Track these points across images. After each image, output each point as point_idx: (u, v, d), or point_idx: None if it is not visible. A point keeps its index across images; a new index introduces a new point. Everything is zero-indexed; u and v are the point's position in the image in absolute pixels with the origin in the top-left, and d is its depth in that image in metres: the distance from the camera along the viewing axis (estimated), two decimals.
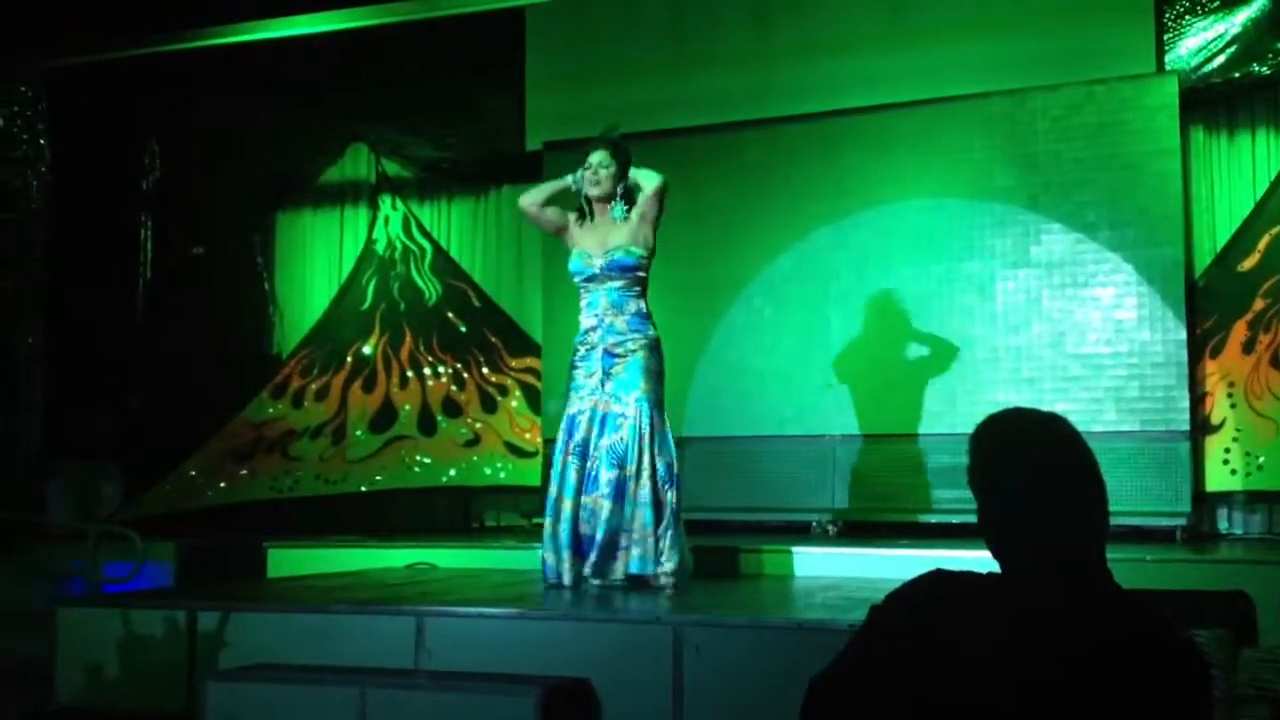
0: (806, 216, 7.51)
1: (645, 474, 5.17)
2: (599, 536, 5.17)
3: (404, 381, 8.75)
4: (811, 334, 7.47)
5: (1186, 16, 7.06)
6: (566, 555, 5.22)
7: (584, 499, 5.23)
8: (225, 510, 8.46)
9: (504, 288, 8.71)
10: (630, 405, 5.21)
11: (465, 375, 8.64)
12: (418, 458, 8.60)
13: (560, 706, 3.93)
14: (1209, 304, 6.96)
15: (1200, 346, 6.91)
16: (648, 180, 5.37)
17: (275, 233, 9.32)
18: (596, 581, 5.18)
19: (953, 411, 7.01)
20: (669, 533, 5.19)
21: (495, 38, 8.33)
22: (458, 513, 8.60)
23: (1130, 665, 1.84)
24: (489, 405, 8.56)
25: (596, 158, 5.37)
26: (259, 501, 8.55)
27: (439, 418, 8.63)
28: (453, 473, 8.54)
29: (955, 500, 6.75)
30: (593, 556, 5.18)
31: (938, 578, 1.98)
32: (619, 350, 5.28)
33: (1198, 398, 6.85)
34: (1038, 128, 7.05)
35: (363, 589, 5.32)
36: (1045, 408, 2.07)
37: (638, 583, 5.10)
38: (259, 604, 4.84)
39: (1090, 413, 6.69)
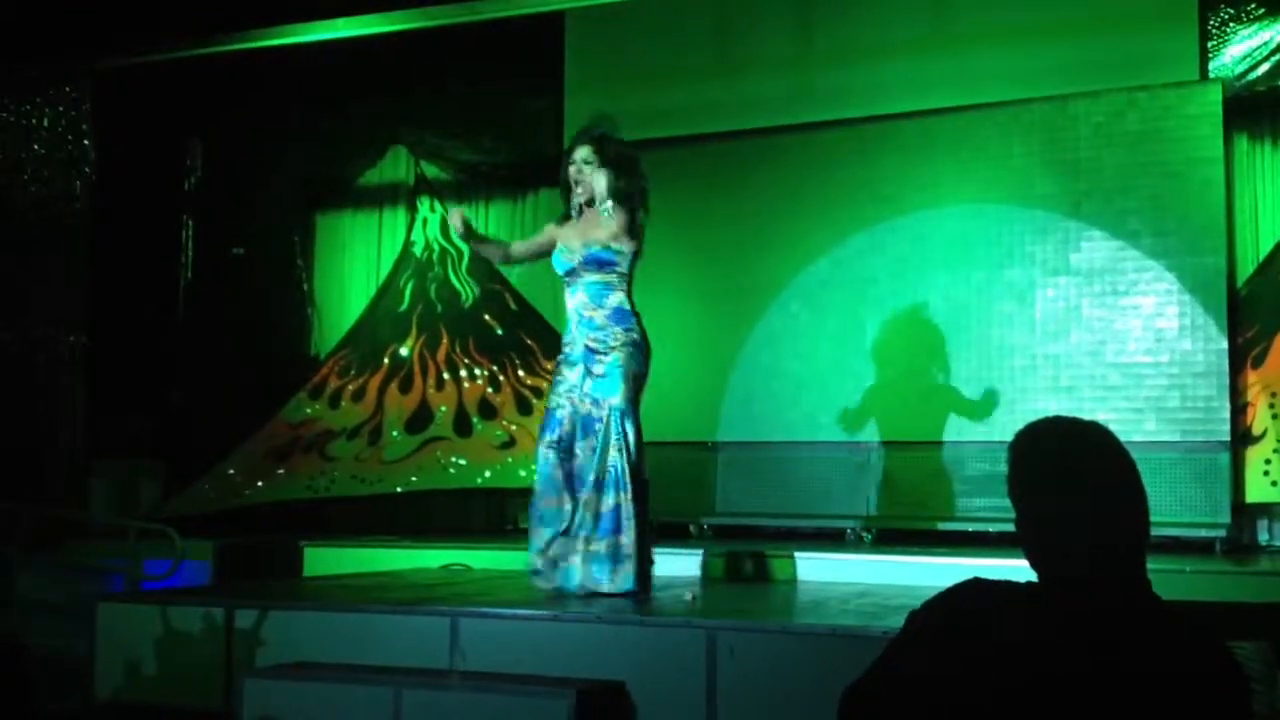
0: (844, 221, 7.49)
1: (610, 483, 5.02)
2: (572, 538, 5.04)
3: (440, 383, 8.78)
4: (848, 339, 7.44)
5: (1230, 24, 6.99)
6: (566, 553, 5.07)
7: (579, 496, 5.06)
8: (263, 509, 8.51)
9: (541, 291, 8.71)
10: (605, 410, 5.08)
11: (501, 378, 8.66)
12: (453, 459, 8.63)
13: (595, 709, 3.93)
14: (1251, 314, 6.89)
15: (1241, 356, 6.84)
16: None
17: (315, 234, 9.39)
18: (555, 586, 5.02)
19: (990, 419, 6.97)
20: (630, 545, 5.00)
21: (535, 41, 8.35)
22: (492, 514, 8.63)
23: (1168, 676, 1.83)
24: (524, 408, 8.58)
25: (580, 154, 5.25)
26: (296, 501, 8.60)
27: (474, 420, 8.66)
28: (488, 474, 8.56)
29: (992, 509, 6.72)
30: (559, 558, 5.05)
31: (975, 587, 1.97)
32: (599, 347, 5.14)
33: (1239, 408, 6.77)
34: (1079, 134, 7.00)
35: (398, 589, 5.35)
36: (1085, 417, 2.05)
37: (593, 594, 4.92)
38: (296, 603, 4.87)
39: (1130, 422, 6.63)
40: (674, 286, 7.83)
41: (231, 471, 8.70)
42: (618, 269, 5.21)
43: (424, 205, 9.04)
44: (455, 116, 8.81)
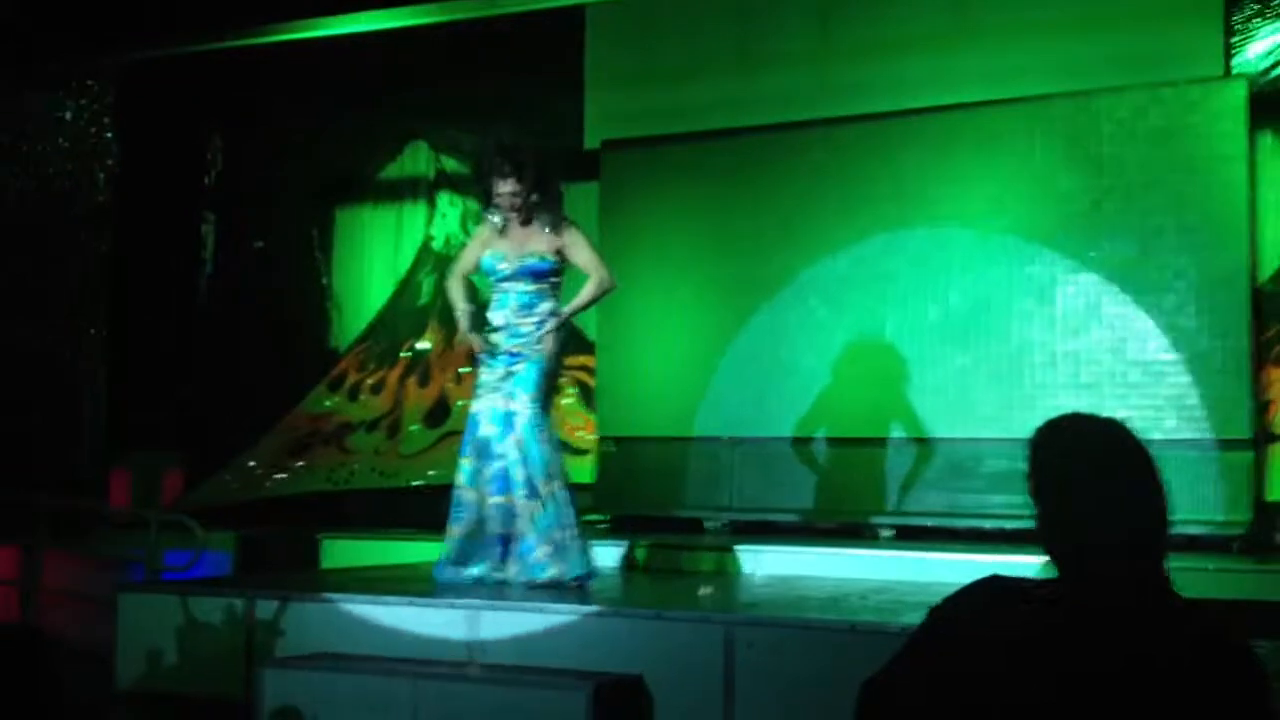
0: (864, 217, 7.46)
1: (546, 475, 5.16)
2: (511, 534, 5.17)
3: (458, 377, 8.79)
4: (867, 335, 7.42)
5: (1255, 20, 6.95)
6: (480, 552, 5.22)
7: (497, 499, 5.21)
8: (282, 501, 8.55)
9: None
10: (524, 405, 5.21)
11: None
12: None
13: (612, 702, 3.94)
14: (1273, 311, 6.84)
15: (1263, 354, 6.80)
16: (595, 273, 5.36)
17: (334, 228, 9.41)
18: (522, 580, 5.13)
19: (1009, 416, 6.95)
20: (576, 532, 5.19)
21: (556, 36, 8.35)
22: None
23: (1189, 674, 1.83)
24: None
25: (507, 188, 5.29)
26: (315, 493, 8.64)
27: None
28: None
29: (1011, 505, 6.69)
30: (510, 554, 5.18)
31: (994, 583, 1.97)
32: (523, 351, 5.29)
33: (1260, 406, 6.74)
34: (1102, 130, 6.96)
35: (416, 581, 5.38)
36: (1105, 414, 2.04)
37: (550, 585, 5.05)
38: (316, 594, 4.90)
39: (1150, 420, 6.59)
40: (693, 281, 7.84)
41: (252, 463, 8.75)
42: (551, 278, 5.37)
43: (443, 200, 9.05)
44: (475, 111, 8.81)
